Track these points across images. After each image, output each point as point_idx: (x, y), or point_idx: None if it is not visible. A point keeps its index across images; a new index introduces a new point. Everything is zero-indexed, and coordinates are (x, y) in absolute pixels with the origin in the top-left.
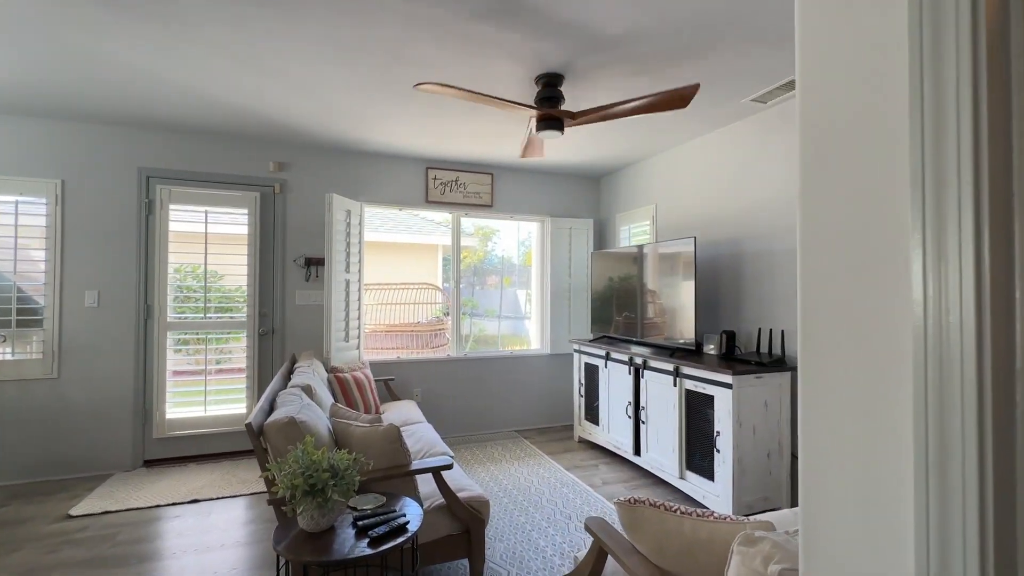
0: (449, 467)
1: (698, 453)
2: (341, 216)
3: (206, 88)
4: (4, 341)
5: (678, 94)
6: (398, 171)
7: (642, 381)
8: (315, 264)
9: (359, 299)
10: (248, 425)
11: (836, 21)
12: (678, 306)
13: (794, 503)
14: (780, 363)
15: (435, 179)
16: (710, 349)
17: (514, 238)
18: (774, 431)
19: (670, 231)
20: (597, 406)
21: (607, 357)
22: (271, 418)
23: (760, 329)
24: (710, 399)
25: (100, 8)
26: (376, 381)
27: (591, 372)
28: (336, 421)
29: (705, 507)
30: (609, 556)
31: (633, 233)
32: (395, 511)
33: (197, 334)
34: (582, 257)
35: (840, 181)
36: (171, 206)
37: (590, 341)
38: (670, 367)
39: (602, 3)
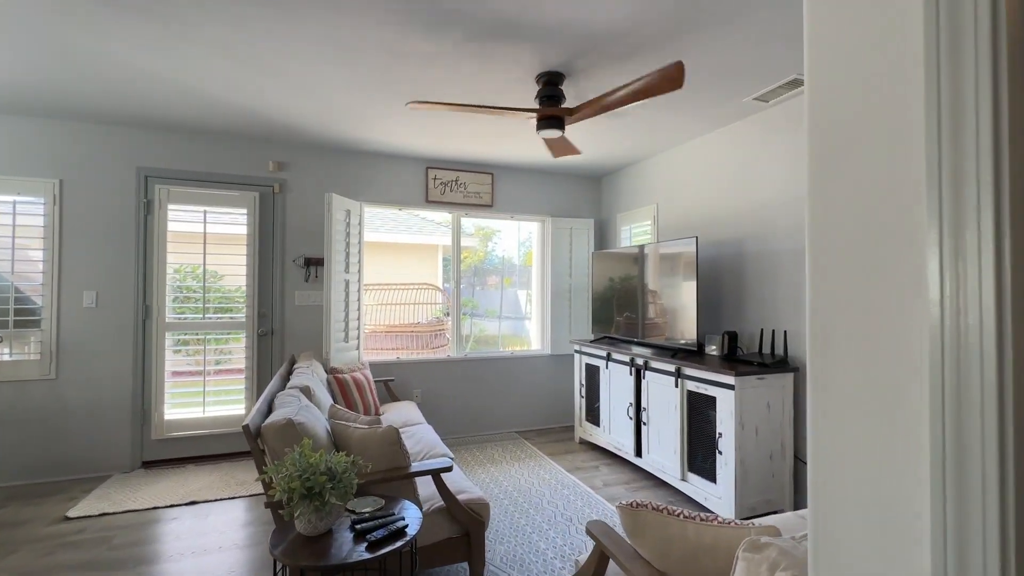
0: (449, 469)
1: (700, 455)
2: (341, 216)
3: (205, 88)
4: (1, 342)
5: (666, 74)
6: (398, 171)
7: (643, 382)
8: (314, 264)
9: (359, 299)
10: (245, 427)
11: (847, 15)
12: (679, 306)
13: (797, 505)
14: (783, 364)
15: (435, 179)
16: (712, 350)
17: (514, 238)
18: (777, 432)
19: (671, 231)
20: (598, 407)
21: (608, 358)
22: (269, 420)
23: (762, 330)
24: (712, 400)
25: (99, 7)
26: (376, 382)
27: (592, 373)
28: (335, 423)
29: (707, 509)
30: (611, 560)
31: (634, 233)
32: (394, 514)
33: (196, 335)
34: (583, 257)
35: (851, 178)
36: (170, 206)
37: (591, 342)
38: (671, 368)
39: (602, 1)
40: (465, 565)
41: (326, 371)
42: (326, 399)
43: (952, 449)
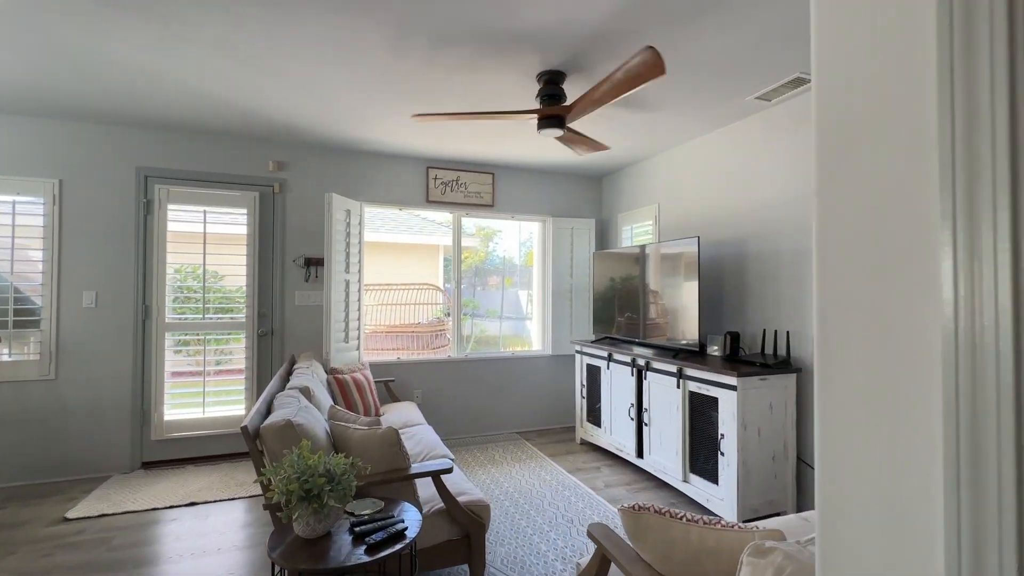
0: (449, 471)
1: (702, 456)
2: (341, 216)
3: (205, 87)
4: (0, 342)
5: (644, 61)
6: (398, 170)
7: (645, 383)
8: (315, 264)
9: (359, 300)
10: (244, 428)
11: (855, 7)
12: (681, 307)
13: (800, 507)
14: (785, 364)
15: (436, 179)
16: (714, 350)
17: (515, 238)
18: (779, 433)
19: (673, 231)
20: (599, 408)
21: (609, 358)
22: (267, 421)
23: (765, 330)
24: (714, 401)
25: (99, 7)
26: (376, 382)
27: (593, 373)
28: (334, 424)
29: (709, 510)
30: (612, 564)
31: (635, 233)
32: (393, 516)
33: (197, 335)
34: (584, 257)
35: (860, 176)
36: (170, 206)
37: (592, 342)
38: (673, 368)
39: None
40: (465, 567)
41: (326, 371)
42: (326, 400)
43: (967, 452)
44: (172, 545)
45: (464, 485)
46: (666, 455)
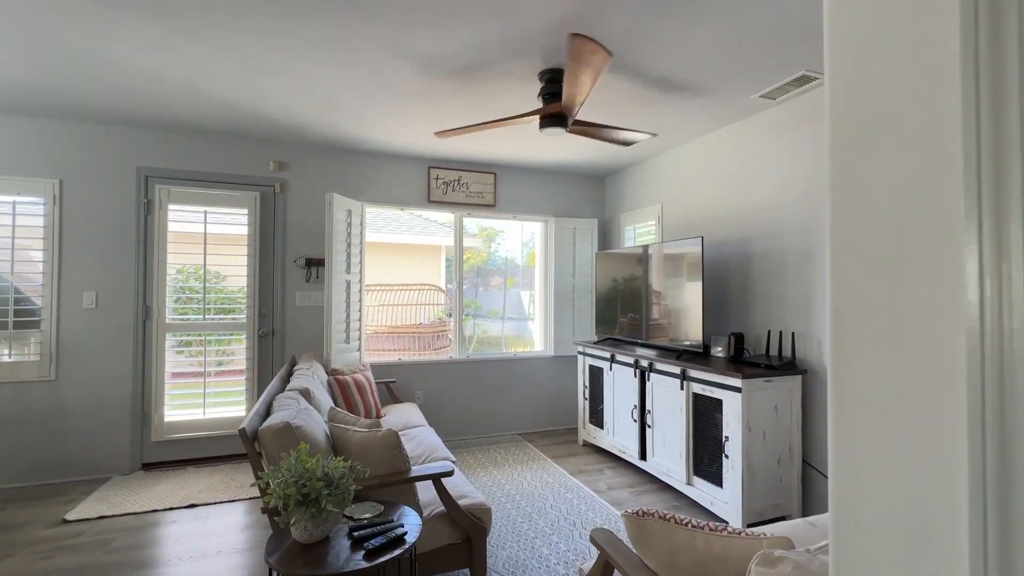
0: (450, 474)
1: (706, 458)
2: (342, 216)
3: (205, 87)
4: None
5: (578, 48)
6: (399, 170)
7: (648, 384)
8: (315, 265)
9: (360, 300)
10: (242, 430)
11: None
12: (684, 307)
13: (806, 511)
14: (791, 366)
15: (437, 178)
16: (718, 351)
17: (518, 239)
18: (785, 436)
19: (676, 231)
20: (602, 409)
21: (612, 359)
22: (266, 423)
23: (769, 331)
24: (718, 403)
25: (99, 6)
26: (377, 383)
27: (595, 375)
28: (334, 426)
29: (713, 513)
30: (616, 570)
31: (638, 233)
32: (393, 521)
33: (199, 335)
34: (586, 258)
35: (877, 173)
36: (170, 206)
37: (594, 343)
38: (677, 370)
39: None
40: (467, 571)
41: (327, 372)
42: (326, 401)
43: (994, 462)
44: (171, 547)
45: (465, 488)
46: (669, 457)
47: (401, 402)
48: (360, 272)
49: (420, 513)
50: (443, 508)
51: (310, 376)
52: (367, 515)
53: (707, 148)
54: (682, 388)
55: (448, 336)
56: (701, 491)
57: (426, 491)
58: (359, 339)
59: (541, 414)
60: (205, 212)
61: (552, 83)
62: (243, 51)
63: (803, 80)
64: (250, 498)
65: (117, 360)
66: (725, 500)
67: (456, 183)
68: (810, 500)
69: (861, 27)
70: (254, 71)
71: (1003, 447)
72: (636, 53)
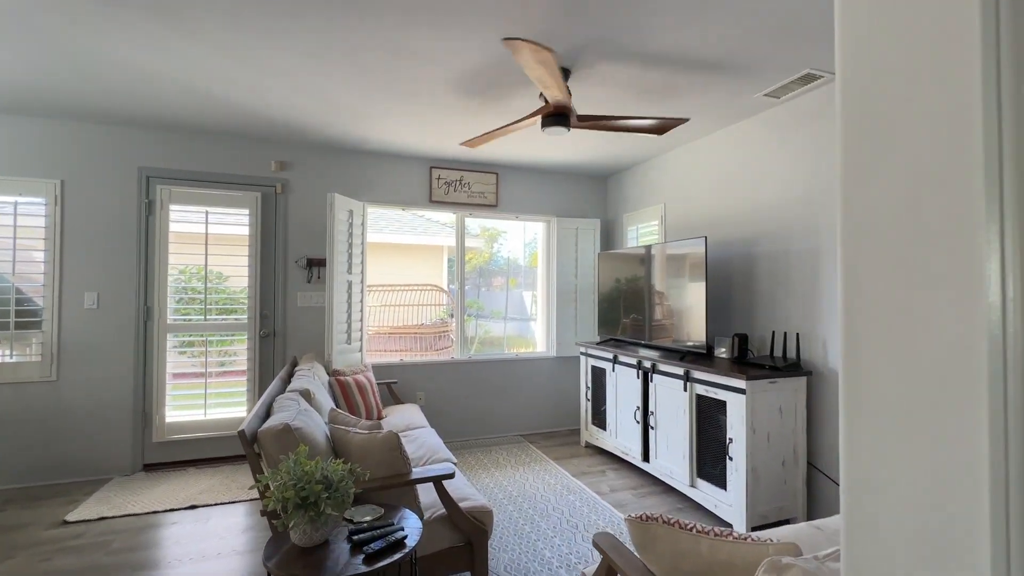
0: (451, 476)
1: (709, 460)
2: (343, 216)
3: (206, 86)
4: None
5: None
6: (401, 170)
7: (651, 385)
8: (317, 265)
9: (361, 301)
10: (241, 432)
11: None
12: (687, 308)
13: (811, 514)
14: (795, 367)
15: (439, 178)
16: (721, 352)
17: (520, 239)
18: (789, 438)
19: (679, 231)
20: (604, 410)
21: (614, 360)
22: (265, 425)
23: (774, 332)
24: (722, 404)
25: (100, 6)
26: (379, 384)
27: (598, 375)
28: (334, 427)
29: (716, 516)
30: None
31: (641, 233)
32: (393, 524)
33: (201, 336)
34: (589, 258)
35: (892, 170)
36: (171, 206)
37: (597, 344)
38: (680, 371)
39: None
40: (468, 575)
41: (328, 373)
42: (327, 402)
43: (1017, 468)
44: (172, 549)
45: (466, 490)
46: (673, 459)
47: (403, 403)
48: (362, 272)
49: (421, 515)
50: (444, 511)
51: (311, 377)
52: (367, 518)
53: (711, 148)
54: (685, 389)
55: (450, 337)
56: (705, 493)
57: (427, 493)
58: (360, 340)
59: (543, 415)
60: (206, 212)
61: None
62: (244, 51)
63: (808, 78)
64: (251, 500)
65: (118, 361)
66: (729, 503)
67: (458, 183)
68: (815, 503)
69: (874, 18)
70: (255, 71)
71: None
72: (638, 51)
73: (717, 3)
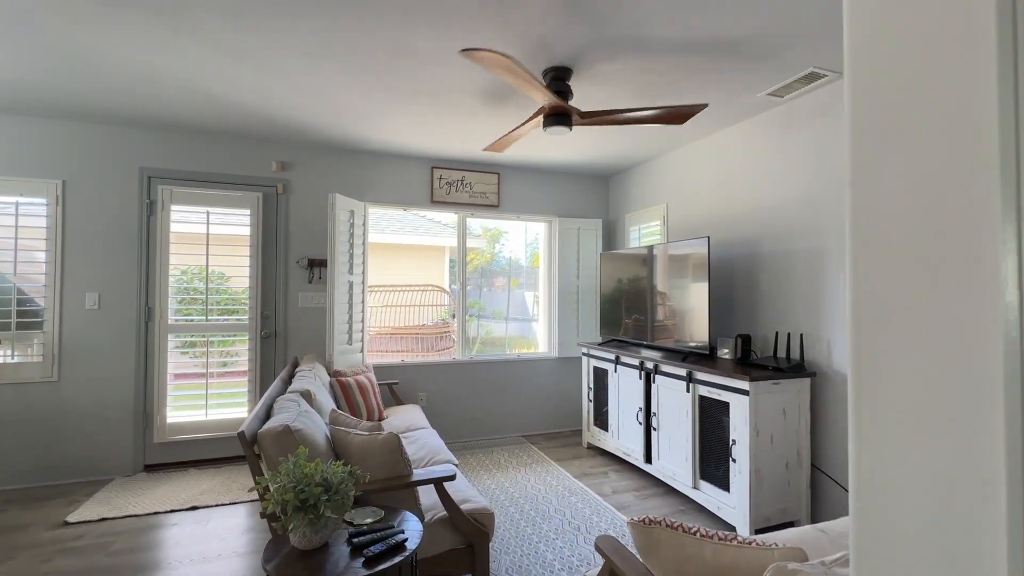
0: (452, 478)
1: (712, 462)
2: (344, 216)
3: (207, 86)
4: (1, 344)
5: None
6: (402, 171)
7: (653, 386)
8: (318, 265)
9: (363, 301)
10: (241, 433)
11: None
12: (689, 308)
13: (815, 517)
14: (799, 368)
15: (440, 179)
16: (724, 353)
17: (522, 239)
18: (793, 440)
19: (682, 231)
20: (606, 411)
21: (617, 361)
22: (265, 426)
23: (777, 333)
24: (725, 406)
25: (100, 5)
26: (380, 385)
27: (600, 376)
28: (334, 429)
29: (719, 518)
30: None
31: (643, 233)
32: (393, 527)
33: (202, 336)
34: (591, 258)
35: (902, 167)
36: (172, 207)
37: (599, 344)
38: (683, 372)
39: None
40: None
41: (329, 374)
42: (328, 403)
43: None
44: (172, 550)
45: (468, 492)
46: (675, 461)
47: (404, 404)
48: (363, 273)
49: (422, 517)
50: (445, 512)
51: (312, 378)
52: (367, 520)
53: (713, 147)
54: (688, 390)
55: (451, 337)
56: (708, 495)
57: (428, 495)
58: (362, 340)
59: (545, 416)
60: (208, 213)
61: (557, 81)
62: (245, 50)
63: (812, 77)
64: (252, 501)
65: (119, 361)
66: (732, 505)
67: (460, 183)
68: (819, 505)
69: (884, 12)
70: (255, 71)
71: None
72: (639, 50)
73: (718, 1)
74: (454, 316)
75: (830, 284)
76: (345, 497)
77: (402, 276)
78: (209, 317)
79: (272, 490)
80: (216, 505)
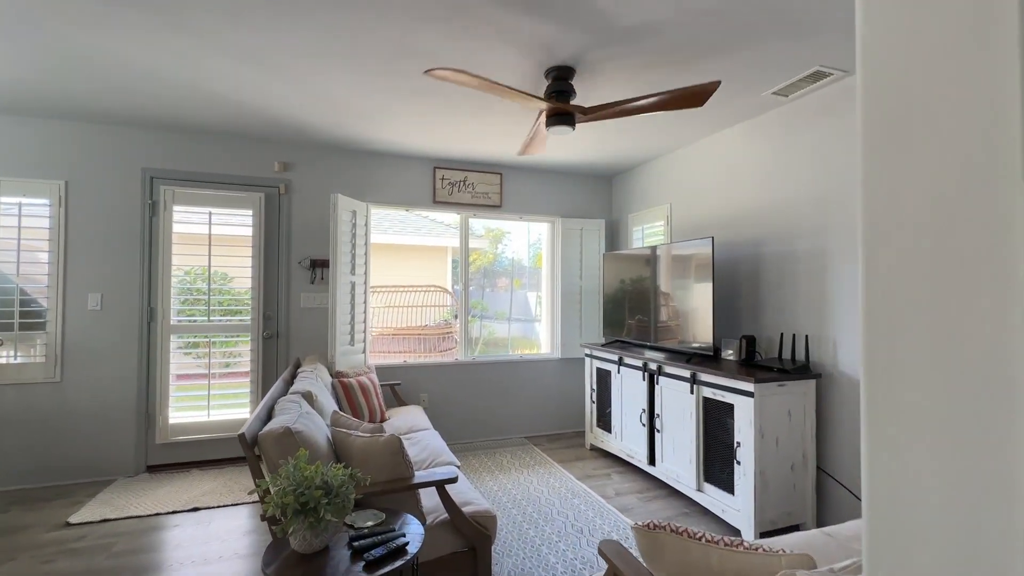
0: (453, 480)
1: (717, 464)
2: (346, 217)
3: (208, 86)
4: (2, 344)
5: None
6: (405, 171)
7: (657, 387)
8: (320, 266)
9: (365, 302)
10: (241, 435)
11: None
12: (693, 309)
13: (820, 521)
14: (804, 370)
15: (443, 179)
16: (728, 354)
17: (524, 240)
18: (798, 442)
19: (685, 232)
20: (609, 413)
21: (620, 362)
22: (266, 428)
23: (782, 334)
24: (730, 408)
25: (101, 5)
26: (382, 386)
27: (603, 377)
28: (336, 430)
29: (724, 521)
30: None
31: (646, 234)
32: (394, 530)
33: (204, 337)
34: (594, 259)
35: (918, 164)
36: (175, 207)
37: (602, 345)
38: (687, 373)
39: None
40: None
41: (331, 375)
42: (330, 404)
43: None
44: (173, 552)
45: (470, 495)
46: (679, 463)
47: (406, 405)
48: (365, 273)
49: (423, 520)
50: (447, 515)
51: (314, 379)
52: (368, 523)
53: (717, 147)
54: (692, 392)
55: (454, 338)
56: (712, 498)
57: (430, 497)
58: (364, 341)
59: (548, 417)
60: (210, 213)
61: (559, 80)
62: (245, 50)
63: (817, 76)
64: (253, 502)
65: (122, 362)
66: (737, 508)
67: (462, 184)
68: (825, 508)
69: (899, 6)
70: (257, 70)
71: None
72: (640, 49)
73: None
74: (456, 317)
75: (835, 285)
76: (345, 500)
77: (404, 277)
78: (211, 318)
79: (272, 493)
80: (218, 506)
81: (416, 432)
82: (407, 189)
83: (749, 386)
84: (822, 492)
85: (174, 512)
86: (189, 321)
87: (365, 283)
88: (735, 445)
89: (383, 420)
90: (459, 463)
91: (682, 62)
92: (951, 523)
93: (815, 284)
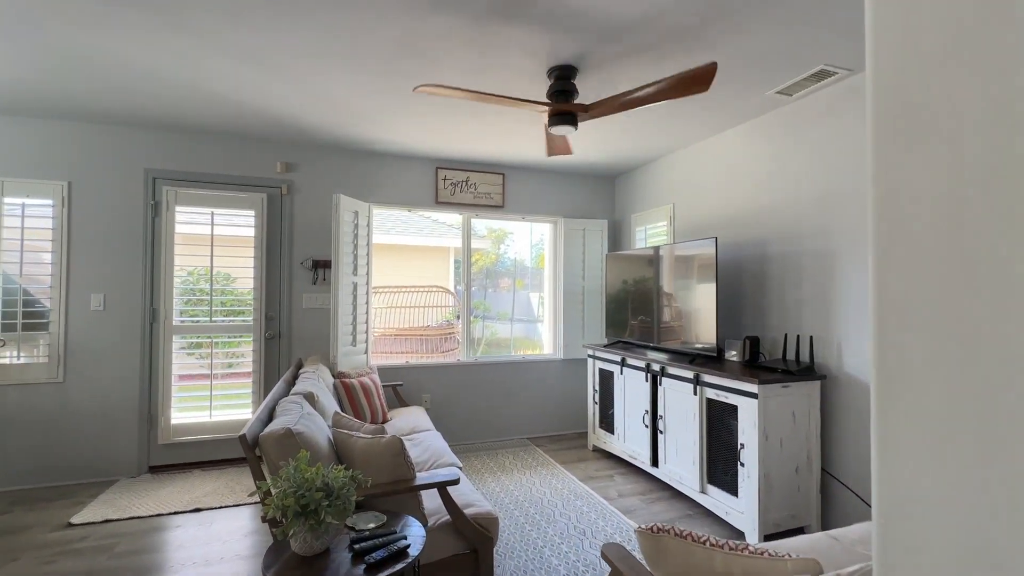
0: (456, 482)
1: (720, 466)
2: (348, 217)
3: (209, 86)
4: (3, 345)
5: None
6: (407, 171)
7: (660, 389)
8: (322, 266)
9: (367, 302)
10: (242, 436)
11: None
12: (696, 310)
13: (825, 523)
14: (809, 371)
15: (445, 179)
16: (732, 355)
17: (527, 240)
18: (803, 444)
19: (688, 232)
20: (612, 414)
21: (622, 363)
22: (267, 429)
23: (786, 335)
24: (733, 409)
25: (104, 6)
26: (384, 386)
27: (606, 378)
28: (337, 432)
29: (728, 523)
30: None
31: (649, 234)
32: (396, 532)
33: (207, 337)
34: (596, 259)
35: (931, 162)
36: (177, 208)
37: (604, 346)
38: (690, 374)
39: None
40: None
41: (333, 376)
42: (331, 405)
43: None
44: (175, 553)
45: (472, 496)
46: (682, 464)
47: (408, 405)
48: (367, 274)
49: (425, 522)
50: (449, 517)
51: (315, 379)
52: (370, 525)
53: (720, 147)
54: (695, 393)
55: (456, 338)
56: (715, 500)
57: (432, 498)
58: (366, 341)
59: (550, 418)
60: (212, 213)
61: (561, 80)
62: (245, 50)
63: (822, 75)
64: (255, 503)
65: (124, 362)
66: (740, 510)
67: (464, 184)
68: (829, 510)
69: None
70: (257, 70)
71: None
72: (641, 49)
73: None
74: (459, 317)
75: (840, 285)
76: (346, 502)
77: (406, 277)
78: (213, 318)
79: (273, 495)
80: (220, 507)
81: (418, 433)
82: (409, 189)
83: (753, 387)
84: (826, 494)
85: (176, 513)
86: (191, 321)
87: (367, 283)
88: (739, 447)
89: (385, 421)
90: (461, 464)
91: (684, 61)
92: (966, 530)
93: (819, 285)
